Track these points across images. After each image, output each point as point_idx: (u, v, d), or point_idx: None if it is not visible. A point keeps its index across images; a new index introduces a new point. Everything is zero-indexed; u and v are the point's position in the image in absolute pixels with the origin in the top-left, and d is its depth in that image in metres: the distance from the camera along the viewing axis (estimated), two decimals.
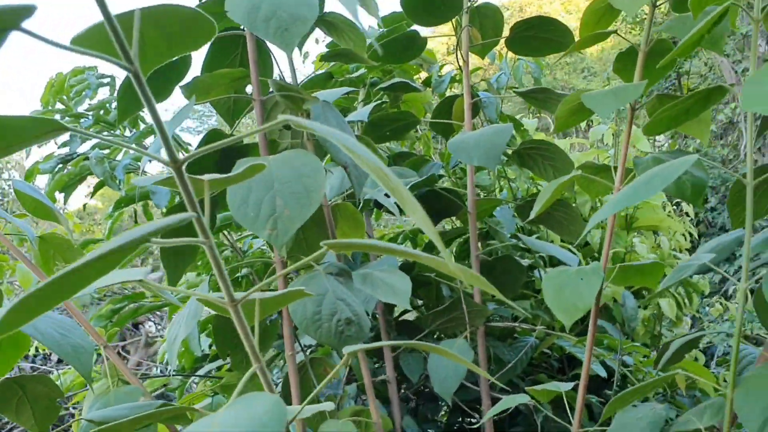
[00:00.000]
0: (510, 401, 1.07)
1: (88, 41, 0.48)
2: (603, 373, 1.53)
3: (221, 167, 1.27)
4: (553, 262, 2.06)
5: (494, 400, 1.40)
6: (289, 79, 1.24)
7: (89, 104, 1.78)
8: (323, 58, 1.27)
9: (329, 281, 1.00)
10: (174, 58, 1.22)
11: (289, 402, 1.13)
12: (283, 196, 0.96)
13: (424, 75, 2.22)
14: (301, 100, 1.13)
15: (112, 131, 1.81)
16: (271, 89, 1.19)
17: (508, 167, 2.03)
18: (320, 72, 2.10)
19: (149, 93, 0.44)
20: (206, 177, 0.51)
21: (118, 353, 4.17)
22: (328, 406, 0.74)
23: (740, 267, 0.85)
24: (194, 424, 0.51)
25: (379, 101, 1.92)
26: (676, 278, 0.95)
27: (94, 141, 1.69)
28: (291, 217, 0.94)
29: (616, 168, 1.10)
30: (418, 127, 2.37)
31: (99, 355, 1.25)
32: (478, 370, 0.78)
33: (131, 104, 1.15)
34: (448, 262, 0.42)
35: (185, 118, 1.09)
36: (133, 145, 0.64)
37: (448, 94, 2.03)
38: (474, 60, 1.83)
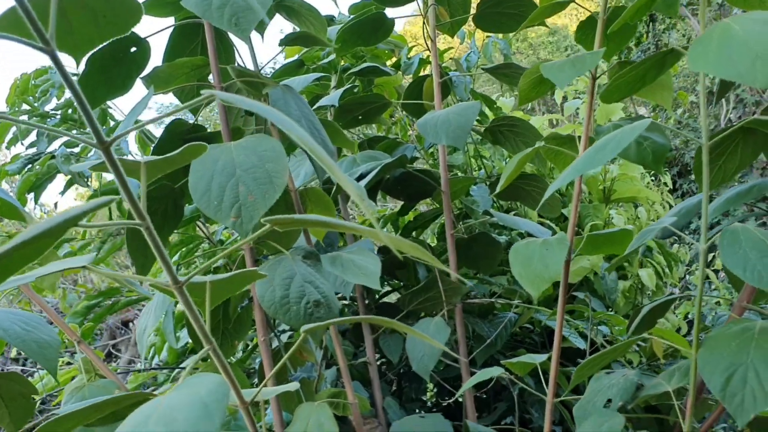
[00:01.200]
0: (484, 374, 1.07)
1: (6, 25, 0.48)
2: (582, 345, 1.54)
3: None
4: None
5: None
6: (250, 66, 1.23)
7: (57, 104, 1.76)
8: (282, 42, 1.26)
9: (297, 265, 1.00)
10: (133, 50, 1.21)
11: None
12: (246, 183, 0.95)
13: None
14: (262, 85, 1.12)
15: (82, 129, 1.79)
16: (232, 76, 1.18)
17: (482, 145, 2.03)
18: (291, 60, 2.09)
19: (69, 74, 0.44)
20: (142, 159, 0.50)
21: (109, 352, 4.16)
22: (292, 386, 0.74)
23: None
24: (144, 405, 0.51)
25: (351, 85, 1.91)
26: (639, 243, 0.96)
27: (64, 140, 1.67)
28: (255, 203, 0.94)
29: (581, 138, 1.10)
30: (394, 111, 2.37)
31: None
32: (441, 347, 0.78)
33: (92, 97, 1.14)
34: (378, 233, 0.42)
35: (144, 108, 1.08)
36: (75, 132, 0.63)
37: (421, 75, 2.03)
38: (447, 41, 1.82)
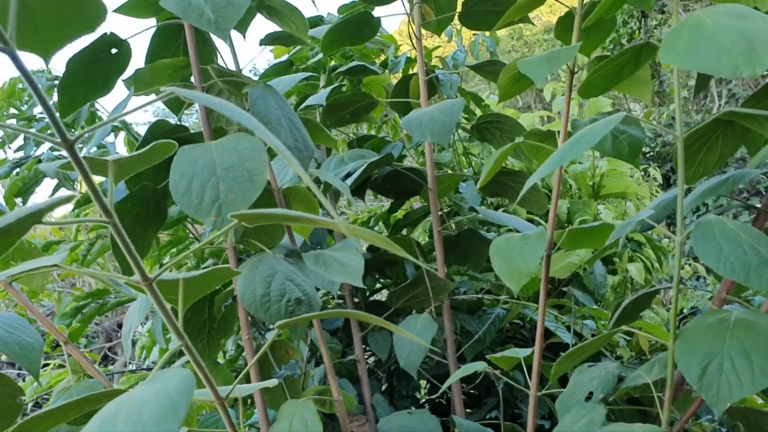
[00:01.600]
0: (467, 369, 1.08)
1: None
2: (569, 340, 1.54)
3: (169, 158, 1.27)
4: None
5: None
6: (232, 65, 1.23)
7: None
8: (262, 42, 1.26)
9: (278, 263, 1.00)
10: (114, 51, 1.22)
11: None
12: (227, 181, 0.96)
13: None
14: (243, 85, 1.12)
15: (70, 131, 1.80)
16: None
17: (470, 143, 2.04)
18: (281, 60, 2.10)
19: (29, 73, 0.44)
20: (110, 158, 0.51)
21: (105, 355, 4.15)
22: (270, 383, 0.75)
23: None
24: (116, 399, 0.52)
25: (339, 85, 1.91)
26: (618, 235, 0.96)
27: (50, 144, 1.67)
28: (235, 201, 0.95)
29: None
30: (384, 110, 2.37)
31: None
32: (426, 346, 0.79)
33: (73, 98, 1.14)
34: (339, 224, 0.43)
35: (124, 109, 1.09)
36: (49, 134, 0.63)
37: (409, 73, 2.03)
38: (434, 39, 1.83)
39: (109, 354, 3.93)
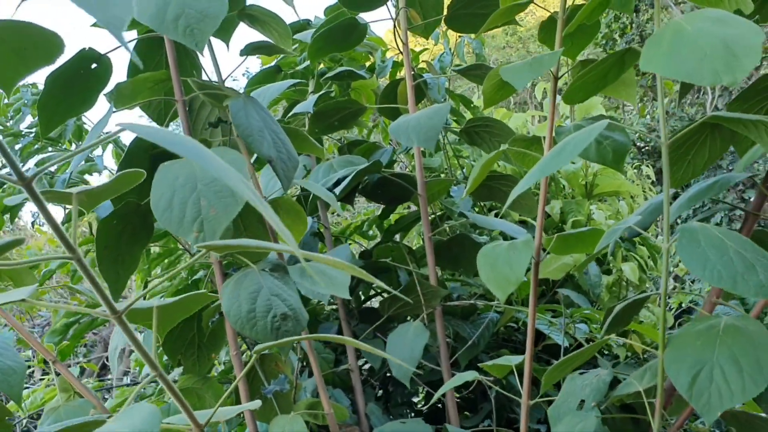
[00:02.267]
0: (458, 379, 1.07)
1: None
2: (564, 343, 1.53)
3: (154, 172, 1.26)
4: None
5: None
6: (214, 76, 1.22)
7: (31, 122, 1.75)
8: (243, 52, 1.25)
9: (263, 277, 0.99)
10: (93, 66, 1.20)
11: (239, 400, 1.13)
12: (208, 197, 0.95)
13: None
14: (225, 97, 1.11)
15: (56, 146, 1.79)
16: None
17: (460, 145, 2.03)
18: (269, 66, 2.08)
19: None
20: (74, 190, 0.50)
21: (104, 364, 4.14)
22: (254, 404, 0.74)
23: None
24: None
25: (326, 91, 1.90)
26: (606, 243, 0.95)
27: (37, 159, 1.66)
28: (217, 217, 0.94)
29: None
30: (373, 114, 2.36)
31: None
32: (401, 363, 0.78)
33: (53, 116, 1.13)
34: (295, 251, 0.41)
35: (104, 125, 1.08)
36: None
37: (397, 77, 2.02)
38: (421, 42, 1.82)
39: (107, 363, 3.91)
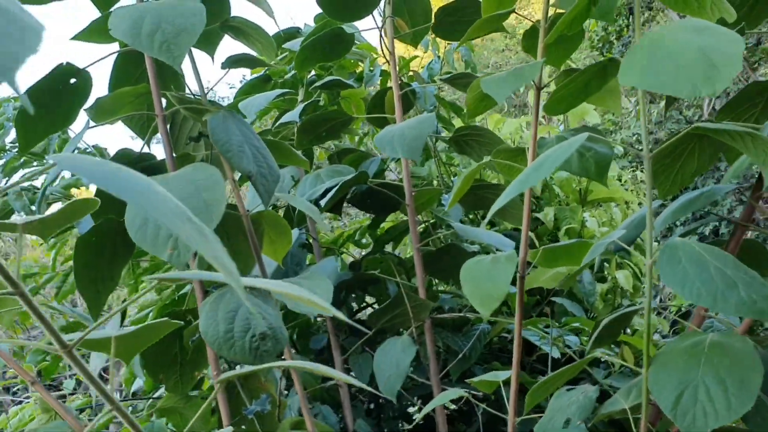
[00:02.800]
0: (443, 398, 1.05)
1: None
2: (556, 354, 1.51)
3: None
4: None
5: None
6: (196, 89, 1.20)
7: (15, 137, 1.74)
8: (224, 65, 1.24)
9: (243, 295, 0.97)
10: (73, 81, 1.19)
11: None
12: None
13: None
14: (205, 111, 1.09)
15: (41, 160, 1.77)
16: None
17: (450, 153, 2.01)
18: (257, 75, 2.07)
19: None
20: (19, 221, 0.48)
21: (100, 375, 4.12)
22: (226, 430, 0.72)
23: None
24: None
25: (315, 100, 1.89)
26: (591, 257, 0.93)
27: (23, 173, 1.65)
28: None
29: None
30: (363, 122, 2.34)
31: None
32: (366, 382, 0.76)
33: (32, 133, 1.12)
34: (228, 279, 0.39)
35: (79, 141, 1.06)
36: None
37: (387, 86, 2.00)
38: (410, 49, 1.80)
39: (103, 374, 3.88)
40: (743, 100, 1.13)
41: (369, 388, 0.77)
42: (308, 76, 2.10)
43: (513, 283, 1.43)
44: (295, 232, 1.61)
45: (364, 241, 2.31)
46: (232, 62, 1.22)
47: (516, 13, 1.03)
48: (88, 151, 1.70)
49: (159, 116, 1.11)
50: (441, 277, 1.64)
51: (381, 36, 1.61)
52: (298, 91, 2.09)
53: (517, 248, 1.19)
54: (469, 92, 1.07)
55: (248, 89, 2.03)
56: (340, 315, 0.48)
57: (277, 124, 1.73)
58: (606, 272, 2.01)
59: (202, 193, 0.94)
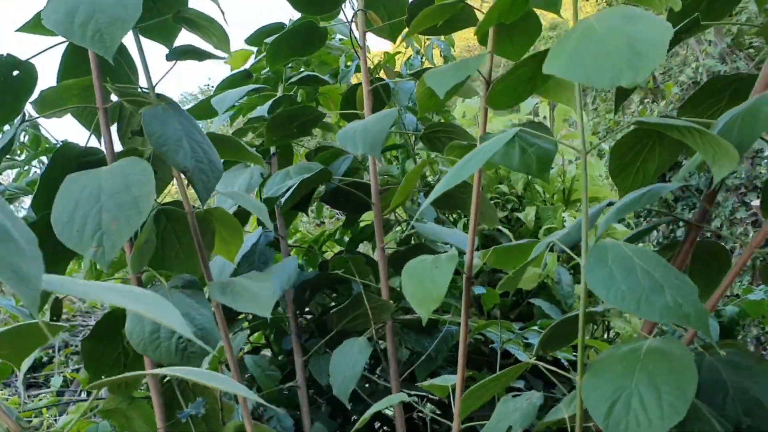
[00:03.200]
0: (384, 403, 1.01)
1: None
2: (525, 358, 1.47)
3: None
4: (484, 244, 2.00)
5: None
6: (144, 82, 1.17)
7: None
8: (168, 57, 1.20)
9: (172, 295, 0.94)
10: (15, 73, 1.16)
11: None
12: (110, 209, 0.90)
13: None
14: (147, 104, 1.06)
15: (15, 155, 1.75)
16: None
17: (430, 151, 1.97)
18: (238, 71, 2.03)
19: None
20: None
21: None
22: None
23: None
24: None
25: (287, 95, 1.85)
26: (535, 255, 0.89)
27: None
28: (118, 230, 0.88)
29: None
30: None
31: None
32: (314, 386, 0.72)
33: None
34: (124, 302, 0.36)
35: (17, 135, 1.04)
36: None
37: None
38: (387, 43, 1.76)
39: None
40: (707, 96, 1.08)
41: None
42: (290, 72, 2.06)
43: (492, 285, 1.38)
44: (258, 231, 1.58)
45: (345, 239, 2.28)
46: (179, 53, 1.18)
47: (466, 3, 0.99)
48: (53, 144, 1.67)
49: (100, 109, 1.08)
50: None
51: (350, 30, 1.58)
52: (277, 87, 2.06)
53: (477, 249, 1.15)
54: (418, 86, 1.04)
55: (228, 85, 2.00)
56: (187, 330, 0.44)
57: (246, 119, 1.70)
58: None
59: (133, 188, 0.91)
